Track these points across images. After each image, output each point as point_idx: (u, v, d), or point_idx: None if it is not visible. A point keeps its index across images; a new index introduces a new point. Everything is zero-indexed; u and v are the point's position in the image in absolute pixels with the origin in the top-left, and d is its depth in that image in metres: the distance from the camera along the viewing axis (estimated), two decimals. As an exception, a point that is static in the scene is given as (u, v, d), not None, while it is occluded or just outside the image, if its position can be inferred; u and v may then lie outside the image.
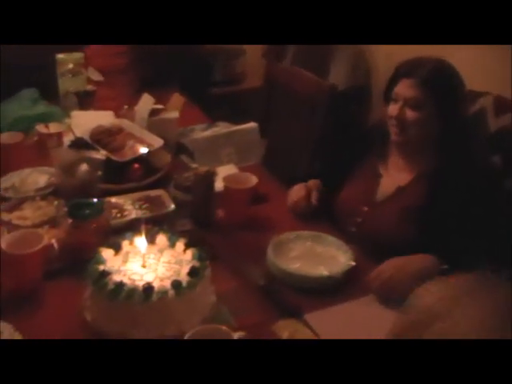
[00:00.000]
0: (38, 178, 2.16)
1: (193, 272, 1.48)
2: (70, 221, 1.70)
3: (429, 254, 1.61)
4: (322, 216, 1.97)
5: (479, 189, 1.71)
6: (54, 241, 1.70)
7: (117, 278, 1.46)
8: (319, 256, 1.73)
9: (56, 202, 1.95)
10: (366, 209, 1.90)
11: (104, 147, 2.13)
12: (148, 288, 1.41)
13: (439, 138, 1.81)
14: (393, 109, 1.81)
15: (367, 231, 1.86)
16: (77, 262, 1.65)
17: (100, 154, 2.11)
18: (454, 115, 1.79)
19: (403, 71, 1.81)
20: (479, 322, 0.66)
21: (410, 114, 1.78)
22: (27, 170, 2.20)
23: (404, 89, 1.78)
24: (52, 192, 2.05)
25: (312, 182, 1.99)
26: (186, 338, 1.19)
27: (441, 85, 1.78)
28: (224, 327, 1.24)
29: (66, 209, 1.78)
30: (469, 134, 1.86)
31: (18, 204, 1.95)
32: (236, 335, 1.22)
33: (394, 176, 1.90)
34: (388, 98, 1.85)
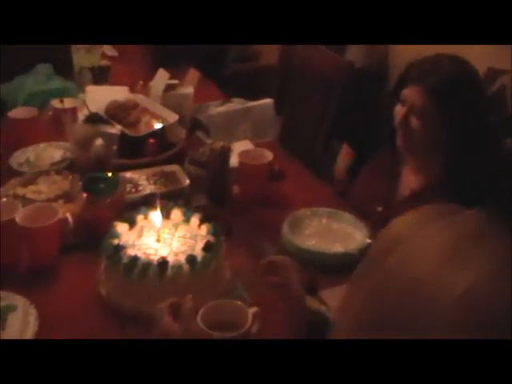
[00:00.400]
0: (53, 152, 2.17)
1: (208, 247, 1.48)
2: (84, 195, 1.70)
3: None
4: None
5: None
6: (68, 215, 1.70)
7: (131, 252, 1.46)
8: (335, 233, 1.72)
9: (71, 177, 1.95)
10: (380, 209, 1.83)
11: (119, 122, 2.12)
12: (163, 263, 1.41)
13: (449, 143, 1.66)
14: (398, 112, 1.69)
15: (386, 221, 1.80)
16: (91, 236, 1.65)
17: (115, 129, 2.09)
18: (467, 126, 1.62)
19: (413, 75, 1.66)
20: (438, 253, 0.65)
21: (414, 121, 1.65)
22: (42, 145, 2.21)
23: (411, 94, 1.64)
24: (67, 166, 2.06)
25: None
26: (200, 312, 1.17)
27: (453, 97, 1.60)
28: (239, 302, 1.23)
29: (80, 183, 1.78)
30: (485, 139, 1.67)
31: (32, 178, 1.96)
32: (250, 311, 1.20)
33: (408, 177, 1.82)
34: (397, 95, 1.71)
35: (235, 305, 1.23)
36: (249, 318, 1.18)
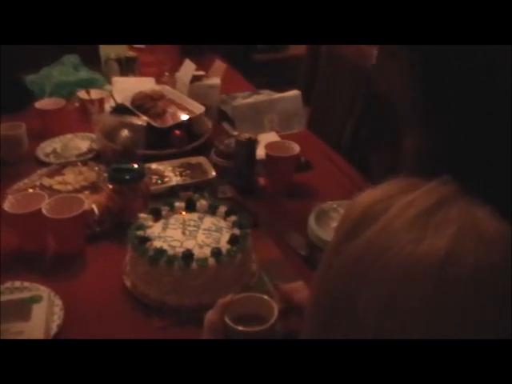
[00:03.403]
0: (80, 143, 2.17)
1: (233, 240, 1.47)
2: (110, 186, 1.70)
3: None
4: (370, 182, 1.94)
5: None
6: (94, 206, 1.70)
7: (157, 244, 1.45)
8: None
9: (97, 168, 1.96)
10: None
11: (145, 113, 2.12)
12: (188, 255, 1.40)
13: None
14: None
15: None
16: (117, 227, 1.66)
17: (141, 120, 2.09)
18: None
19: None
20: (412, 227, 0.64)
21: None
22: (68, 136, 2.22)
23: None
24: (93, 157, 2.07)
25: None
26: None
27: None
28: (265, 296, 1.21)
29: (106, 174, 1.78)
30: None
31: (59, 169, 1.97)
32: (277, 306, 1.19)
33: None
34: None
35: (261, 299, 1.21)
36: (275, 313, 1.16)
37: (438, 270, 0.61)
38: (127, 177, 1.67)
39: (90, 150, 2.12)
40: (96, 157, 2.07)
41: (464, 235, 0.63)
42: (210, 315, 1.16)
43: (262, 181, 1.95)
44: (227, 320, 1.14)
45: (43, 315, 1.35)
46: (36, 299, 1.40)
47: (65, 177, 1.91)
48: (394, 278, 0.63)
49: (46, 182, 1.88)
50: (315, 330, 0.73)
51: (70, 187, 1.85)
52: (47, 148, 2.15)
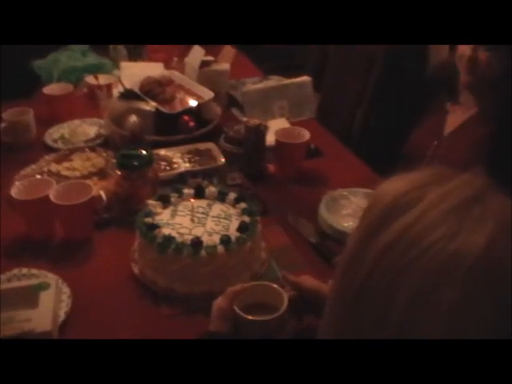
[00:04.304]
0: (88, 129, 2.17)
1: (242, 227, 1.46)
2: (118, 172, 1.69)
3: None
4: (378, 171, 1.93)
5: None
6: (102, 192, 1.69)
7: (165, 231, 1.45)
8: None
9: (105, 154, 1.95)
10: (435, 142, 1.88)
11: (153, 99, 2.10)
12: (197, 242, 1.39)
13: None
14: (464, 49, 1.74)
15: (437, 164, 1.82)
16: (125, 213, 1.65)
17: (149, 106, 2.08)
18: None
19: None
20: (447, 219, 0.62)
21: (482, 54, 1.70)
22: (76, 122, 2.21)
23: None
24: (101, 143, 2.06)
25: None
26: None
27: None
28: (275, 285, 1.20)
29: (114, 160, 1.77)
30: None
31: (67, 155, 1.96)
32: (286, 295, 1.18)
33: (462, 111, 1.88)
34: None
35: (270, 287, 1.20)
36: (284, 302, 1.15)
37: (473, 268, 0.59)
38: (135, 163, 1.66)
39: (97, 136, 2.11)
40: (104, 143, 2.06)
41: (501, 232, 0.61)
42: (219, 302, 1.16)
43: (271, 167, 1.94)
44: (236, 309, 1.13)
45: (51, 302, 1.34)
46: (44, 286, 1.39)
47: (72, 163, 1.90)
48: (424, 272, 0.61)
49: (54, 168, 1.87)
50: (337, 321, 0.71)
51: (77, 173, 1.85)
52: (55, 134, 2.14)
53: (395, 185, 0.68)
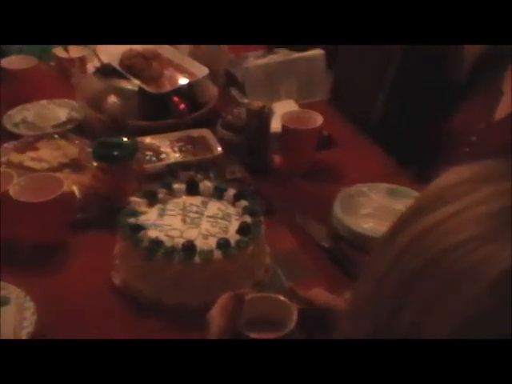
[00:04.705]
0: (57, 111, 2.19)
1: (243, 229, 1.51)
2: (95, 164, 1.73)
3: None
4: (404, 164, 1.99)
5: None
6: (75, 188, 1.73)
7: (152, 233, 1.49)
8: (397, 214, 1.72)
9: (78, 142, 1.98)
10: (483, 126, 1.93)
11: (136, 76, 2.14)
12: (189, 247, 1.44)
13: None
14: None
15: (481, 151, 1.85)
16: (104, 213, 1.70)
17: (131, 84, 2.12)
18: None
19: None
20: (490, 220, 0.64)
21: None
22: (43, 102, 2.24)
23: None
24: (74, 129, 2.08)
25: None
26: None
27: None
28: (282, 297, 1.22)
29: (90, 149, 1.80)
30: None
31: (31, 143, 1.98)
32: (296, 308, 1.19)
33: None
34: None
35: (277, 300, 1.22)
36: (293, 317, 1.17)
37: (495, 281, 0.61)
38: (116, 153, 1.71)
39: (69, 120, 2.13)
40: (77, 128, 2.08)
41: None
42: (216, 316, 1.17)
43: (277, 159, 1.99)
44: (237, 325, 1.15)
45: (10, 321, 1.34)
46: (2, 301, 1.39)
47: (39, 152, 1.92)
48: (444, 270, 0.65)
49: (16, 158, 1.89)
50: (355, 312, 0.76)
51: (45, 165, 1.87)
52: (16, 117, 2.15)
53: (451, 174, 0.72)
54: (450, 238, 0.65)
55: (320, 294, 1.25)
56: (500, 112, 1.94)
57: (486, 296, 0.61)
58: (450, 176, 0.71)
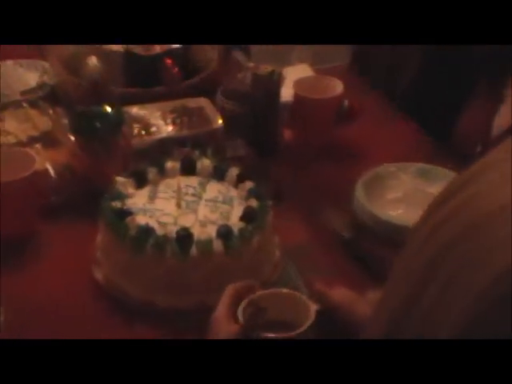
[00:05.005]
0: (26, 75, 2.19)
1: (248, 215, 1.52)
2: (72, 138, 1.74)
3: None
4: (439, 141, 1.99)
5: None
6: (49, 166, 1.74)
7: (141, 220, 1.50)
8: (429, 198, 1.73)
9: (52, 111, 1.97)
10: (482, 138, 1.90)
11: (121, 34, 2.14)
12: (185, 236, 1.45)
13: None
14: None
15: None
16: (82, 196, 1.71)
17: (116, 45, 2.12)
18: None
19: None
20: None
21: None
22: (8, 64, 2.24)
23: None
24: (46, 96, 2.08)
25: None
26: (241, 306, 1.20)
27: None
28: (296, 293, 1.25)
29: (66, 121, 1.81)
30: None
31: (-6, 112, 1.97)
32: (313, 306, 1.21)
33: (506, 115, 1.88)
34: None
35: (290, 296, 1.25)
36: (310, 315, 1.19)
37: None
38: (97, 125, 1.71)
39: (41, 86, 2.13)
40: (50, 95, 2.08)
41: None
42: (223, 321, 1.18)
43: (288, 134, 2.00)
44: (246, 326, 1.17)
45: None
46: None
47: (4, 124, 1.93)
48: (487, 236, 0.66)
49: None
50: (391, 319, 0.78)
51: (11, 139, 1.87)
52: None
53: (496, 150, 0.74)
54: (494, 203, 0.67)
55: (341, 292, 1.26)
56: (499, 123, 1.91)
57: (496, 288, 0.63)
58: (495, 152, 0.73)
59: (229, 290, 1.23)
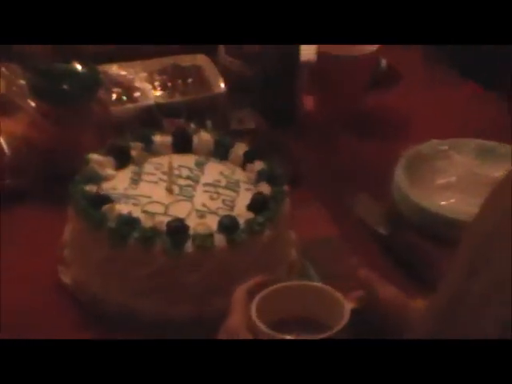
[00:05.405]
0: None
1: (258, 204, 1.51)
2: (32, 104, 1.74)
3: None
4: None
5: None
6: (2, 139, 1.75)
7: (123, 209, 1.48)
8: (488, 184, 1.72)
9: (4, 69, 1.95)
10: None
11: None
12: (178, 229, 1.43)
13: None
14: None
15: None
16: (46, 178, 1.71)
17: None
18: None
19: None
20: None
21: None
22: None
23: None
24: None
25: None
26: (255, 301, 1.19)
27: None
28: (325, 286, 1.23)
29: (24, 82, 1.82)
30: None
31: None
32: (348, 303, 1.19)
33: None
34: None
35: (316, 289, 1.24)
36: (344, 314, 1.17)
37: None
38: (65, 87, 1.71)
39: None
40: (4, 49, 2.02)
41: None
42: (237, 329, 1.17)
43: (309, 101, 2.00)
44: (261, 325, 1.15)
45: None
46: None
47: None
48: None
49: None
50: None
51: None
52: None
53: None
54: None
55: (396, 299, 1.25)
56: None
57: None
58: None
59: (239, 293, 1.21)
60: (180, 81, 2.00)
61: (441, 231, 1.61)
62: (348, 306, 1.19)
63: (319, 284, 1.27)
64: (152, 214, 1.49)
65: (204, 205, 1.53)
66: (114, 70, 2.00)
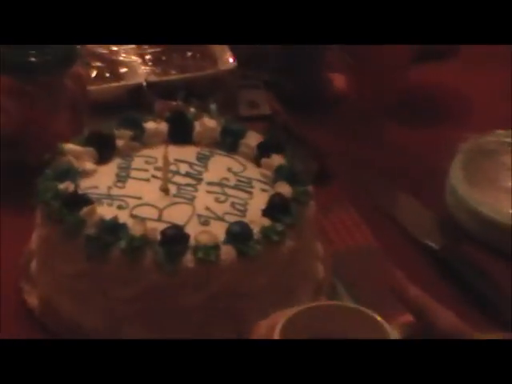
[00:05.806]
0: None
1: (276, 208, 1.51)
2: (4, 80, 1.75)
3: None
4: None
5: None
6: None
7: (105, 212, 1.48)
8: None
9: None
10: None
11: None
12: (174, 237, 1.43)
13: None
14: None
15: None
16: (10, 172, 1.73)
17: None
18: None
19: None
20: None
21: None
22: None
23: None
24: None
25: None
26: (278, 327, 1.19)
27: None
28: (364, 309, 1.19)
29: None
30: None
31: None
32: (394, 329, 1.20)
33: None
34: None
35: (354, 311, 1.22)
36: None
37: None
38: (33, 59, 1.73)
39: None
40: None
41: None
42: None
43: (339, 80, 2.02)
44: None
45: None
46: None
47: None
48: None
49: None
50: None
51: None
52: None
53: None
54: None
55: (454, 328, 1.22)
56: None
57: None
58: None
59: (259, 331, 1.19)
60: (177, 55, 2.01)
61: (506, 245, 1.61)
62: (393, 334, 1.17)
63: (355, 305, 1.24)
64: (142, 220, 1.48)
65: (208, 209, 1.53)
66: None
